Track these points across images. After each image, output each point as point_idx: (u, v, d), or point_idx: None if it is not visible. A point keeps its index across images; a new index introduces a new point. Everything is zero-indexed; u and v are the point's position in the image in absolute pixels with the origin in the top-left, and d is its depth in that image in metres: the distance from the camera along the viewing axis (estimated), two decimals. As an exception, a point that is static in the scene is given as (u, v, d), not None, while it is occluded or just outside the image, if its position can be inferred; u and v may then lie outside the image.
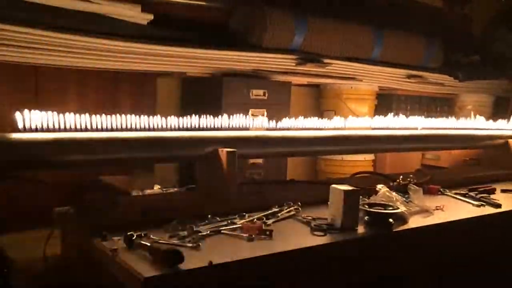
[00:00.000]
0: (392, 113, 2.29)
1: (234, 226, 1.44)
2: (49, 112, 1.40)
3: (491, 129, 2.73)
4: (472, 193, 2.09)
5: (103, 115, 1.50)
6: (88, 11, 2.22)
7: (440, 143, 2.55)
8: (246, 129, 1.81)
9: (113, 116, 1.52)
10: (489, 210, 1.92)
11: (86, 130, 1.45)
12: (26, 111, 1.36)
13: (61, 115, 1.41)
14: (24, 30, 2.04)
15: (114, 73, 2.65)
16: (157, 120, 1.60)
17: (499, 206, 1.95)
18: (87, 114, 1.46)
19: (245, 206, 1.59)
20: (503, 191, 2.24)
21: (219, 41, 2.65)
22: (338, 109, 3.28)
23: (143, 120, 1.57)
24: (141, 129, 1.57)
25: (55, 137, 1.39)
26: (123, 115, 1.54)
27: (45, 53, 2.15)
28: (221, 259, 1.19)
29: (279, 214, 1.60)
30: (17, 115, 1.35)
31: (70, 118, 1.43)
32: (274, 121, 1.87)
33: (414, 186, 1.91)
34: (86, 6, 2.20)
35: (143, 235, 1.29)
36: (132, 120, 1.55)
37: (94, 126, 1.47)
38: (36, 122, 1.36)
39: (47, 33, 2.09)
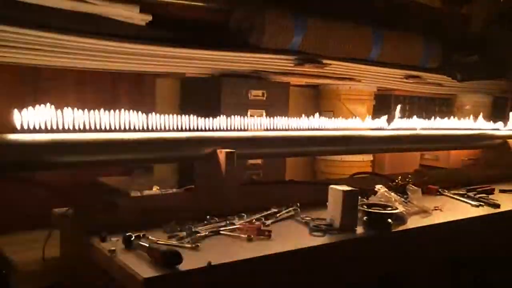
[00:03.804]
0: (390, 114, 2.29)
1: (233, 226, 1.45)
2: (48, 113, 1.40)
3: (490, 129, 2.74)
4: (470, 193, 2.09)
5: (102, 116, 1.49)
6: (86, 12, 2.21)
7: (439, 143, 2.56)
8: (245, 129, 1.81)
9: (112, 116, 1.52)
10: (487, 210, 1.93)
11: (85, 131, 1.45)
12: (24, 112, 1.36)
13: (60, 116, 1.41)
14: (22, 31, 2.03)
15: (113, 74, 2.65)
16: (156, 121, 1.60)
17: (497, 206, 1.95)
18: (86, 115, 1.46)
19: (244, 207, 1.60)
20: (501, 191, 2.24)
21: (218, 41, 2.65)
22: (336, 109, 3.28)
23: (142, 121, 1.57)
24: (140, 130, 1.57)
25: (54, 138, 1.39)
26: (122, 116, 1.54)
27: (43, 54, 2.15)
28: (220, 259, 1.19)
29: (278, 215, 1.60)
30: (16, 116, 1.35)
31: (69, 119, 1.43)
32: (272, 121, 1.88)
33: (413, 186, 1.91)
34: (84, 7, 2.20)
35: (141, 235, 1.29)
36: (131, 120, 1.55)
37: (93, 127, 1.47)
38: (35, 123, 1.36)
39: (45, 34, 2.09)
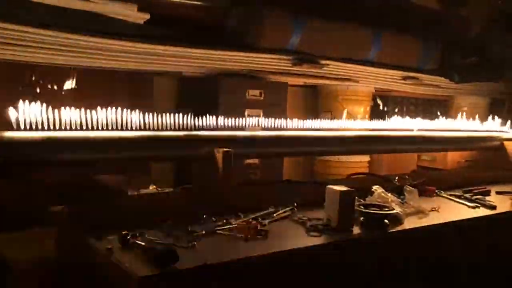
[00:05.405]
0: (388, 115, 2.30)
1: (230, 226, 1.44)
2: (45, 111, 1.39)
3: (487, 131, 2.74)
4: (467, 195, 2.09)
5: (99, 114, 1.49)
6: (84, 10, 2.21)
7: (436, 144, 2.56)
8: (242, 129, 1.81)
9: (110, 115, 1.51)
10: (484, 212, 1.93)
11: (82, 129, 1.45)
12: (21, 109, 1.35)
13: (57, 113, 1.41)
14: (21, 29, 2.03)
15: (111, 72, 2.65)
16: (153, 120, 1.60)
17: (494, 207, 1.96)
18: (83, 113, 1.46)
19: (241, 206, 1.59)
20: (498, 193, 2.24)
21: (216, 41, 2.65)
22: (335, 110, 3.29)
23: (140, 120, 1.57)
24: (137, 129, 1.56)
25: (49, 135, 1.38)
26: (119, 114, 1.53)
27: (41, 51, 2.15)
28: (216, 259, 1.19)
29: (274, 215, 1.60)
30: (12, 113, 1.34)
31: (66, 117, 1.42)
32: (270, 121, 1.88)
33: (410, 187, 1.91)
34: (82, 5, 2.19)
35: (138, 234, 1.28)
36: (129, 119, 1.55)
37: (90, 125, 1.47)
38: (32, 121, 1.36)
39: (43, 32, 2.09)
